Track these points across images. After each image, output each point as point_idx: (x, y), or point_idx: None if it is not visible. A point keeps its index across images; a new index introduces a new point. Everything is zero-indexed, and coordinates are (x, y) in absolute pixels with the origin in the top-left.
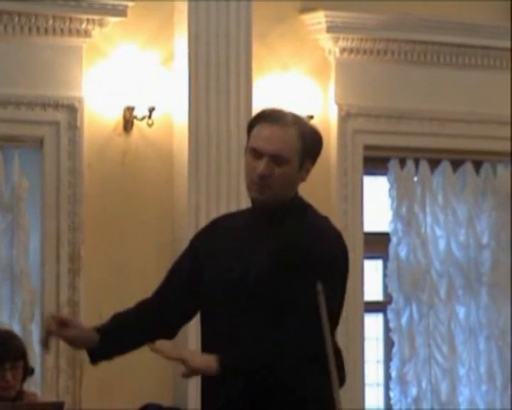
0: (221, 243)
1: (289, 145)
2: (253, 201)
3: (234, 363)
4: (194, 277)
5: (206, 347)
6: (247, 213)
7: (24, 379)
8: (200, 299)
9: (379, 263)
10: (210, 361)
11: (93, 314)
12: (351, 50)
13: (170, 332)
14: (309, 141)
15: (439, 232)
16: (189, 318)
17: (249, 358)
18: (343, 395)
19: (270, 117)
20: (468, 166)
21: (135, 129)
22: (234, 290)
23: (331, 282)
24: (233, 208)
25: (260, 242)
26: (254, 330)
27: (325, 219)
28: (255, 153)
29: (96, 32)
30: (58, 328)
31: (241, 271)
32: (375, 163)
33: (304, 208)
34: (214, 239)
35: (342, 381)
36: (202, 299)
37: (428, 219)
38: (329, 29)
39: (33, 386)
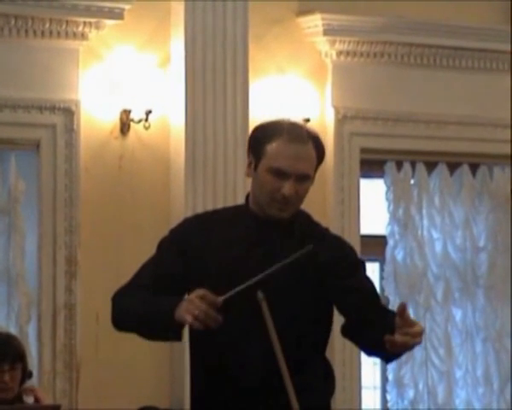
0: (227, 245)
1: (311, 162)
2: (269, 217)
3: None
4: (182, 277)
5: (205, 347)
6: (245, 214)
7: (22, 382)
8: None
9: (376, 266)
10: None
11: (90, 317)
12: (347, 53)
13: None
14: (320, 151)
15: (435, 235)
16: None
17: None
18: (340, 398)
19: (288, 133)
20: (465, 169)
21: (131, 132)
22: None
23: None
24: None
25: (277, 249)
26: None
27: (328, 229)
28: (279, 173)
29: (92, 34)
30: None
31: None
32: (371, 166)
33: (306, 216)
34: (208, 241)
35: (333, 387)
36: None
37: (425, 221)
38: (326, 32)
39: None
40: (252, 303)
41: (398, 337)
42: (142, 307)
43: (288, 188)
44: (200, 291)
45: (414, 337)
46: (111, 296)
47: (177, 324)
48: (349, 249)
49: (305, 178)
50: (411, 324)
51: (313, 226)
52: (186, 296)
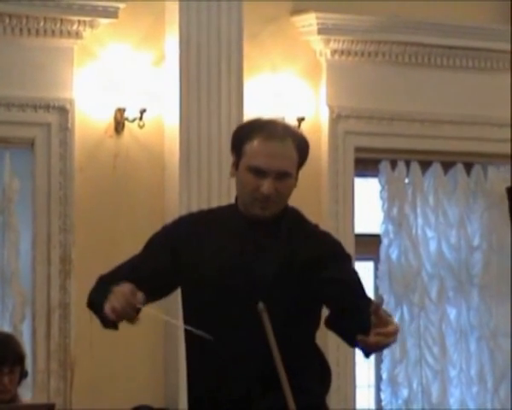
0: (214, 245)
1: (291, 159)
2: (253, 216)
3: None
4: (168, 273)
5: (201, 345)
6: (234, 214)
7: (19, 383)
8: (161, 292)
9: (370, 265)
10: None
11: (84, 316)
12: (342, 52)
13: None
14: (302, 148)
15: (430, 234)
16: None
17: None
18: (334, 397)
19: (265, 131)
20: (459, 168)
21: (126, 131)
22: (242, 294)
23: (351, 263)
24: None
25: (264, 249)
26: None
27: (317, 226)
28: (257, 171)
29: (87, 33)
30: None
31: (249, 278)
32: (366, 165)
33: (296, 214)
34: (201, 239)
35: (329, 384)
36: (189, 298)
37: (419, 220)
38: (320, 31)
39: (24, 388)
40: (244, 314)
41: (370, 338)
42: (96, 295)
43: (266, 186)
44: (125, 286)
45: (387, 337)
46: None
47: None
48: (332, 243)
49: (284, 176)
50: (386, 323)
51: (301, 224)
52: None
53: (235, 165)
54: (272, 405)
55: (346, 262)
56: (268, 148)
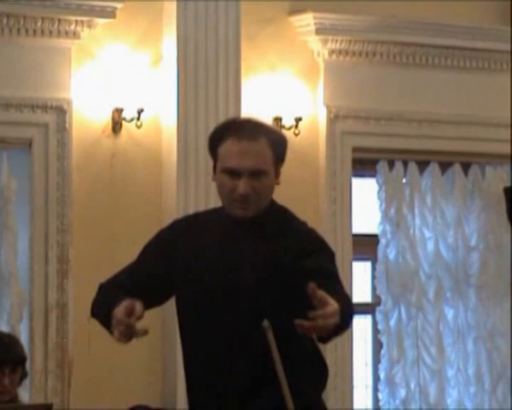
0: (201, 248)
1: (264, 157)
2: (236, 218)
3: (345, 313)
4: (164, 278)
5: (193, 345)
6: (222, 216)
7: (20, 384)
8: (159, 297)
9: (367, 265)
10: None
11: (81, 316)
12: (339, 52)
13: None
14: (278, 145)
15: (427, 234)
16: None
17: (350, 308)
18: (332, 396)
19: (236, 131)
20: (457, 168)
21: (123, 131)
22: (228, 296)
23: (332, 260)
24: None
25: (249, 250)
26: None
27: (306, 223)
28: (232, 172)
29: (84, 33)
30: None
31: (235, 278)
32: (363, 165)
33: (283, 212)
34: (190, 242)
35: (326, 379)
36: (181, 301)
37: (417, 220)
38: (318, 31)
39: (22, 388)
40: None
41: (306, 322)
42: (98, 310)
43: (242, 186)
44: (118, 312)
45: (325, 318)
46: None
47: None
48: (315, 240)
49: (259, 174)
50: (325, 304)
51: (287, 223)
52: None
53: (214, 168)
54: (267, 404)
55: (324, 256)
56: (240, 148)
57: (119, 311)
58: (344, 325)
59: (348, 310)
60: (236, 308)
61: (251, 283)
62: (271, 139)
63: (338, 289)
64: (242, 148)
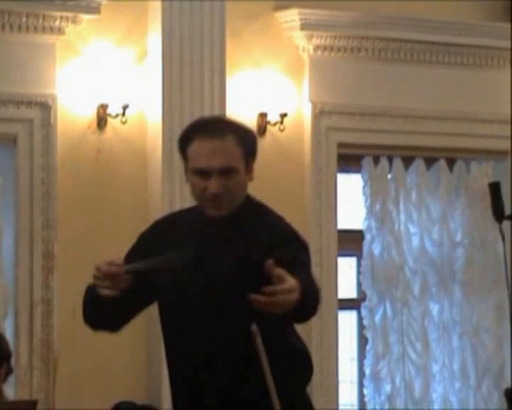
0: (177, 249)
1: (233, 154)
2: (209, 217)
3: (308, 293)
4: (142, 280)
5: (175, 343)
6: (200, 215)
7: (5, 380)
8: (144, 300)
9: (353, 260)
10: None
11: (67, 312)
12: (324, 48)
13: (115, 327)
14: (247, 142)
15: (412, 230)
16: (132, 316)
17: (314, 293)
18: (317, 392)
19: (204, 131)
20: (442, 164)
21: (108, 126)
22: (204, 296)
23: (304, 252)
24: None
25: (224, 249)
26: (231, 326)
27: (283, 219)
28: (201, 173)
29: (69, 29)
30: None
31: (210, 279)
32: (348, 161)
33: (258, 209)
34: (169, 243)
35: (310, 374)
36: (160, 300)
37: (402, 216)
38: (303, 26)
39: (7, 384)
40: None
41: (262, 297)
42: (90, 303)
43: (213, 186)
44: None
45: (282, 294)
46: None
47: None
48: (288, 232)
49: (229, 172)
50: (282, 280)
51: (262, 218)
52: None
53: (186, 170)
54: (248, 398)
55: (295, 247)
56: (207, 147)
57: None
58: (306, 307)
59: (311, 294)
60: (213, 308)
61: (226, 282)
62: (239, 136)
63: (304, 276)
64: (210, 147)
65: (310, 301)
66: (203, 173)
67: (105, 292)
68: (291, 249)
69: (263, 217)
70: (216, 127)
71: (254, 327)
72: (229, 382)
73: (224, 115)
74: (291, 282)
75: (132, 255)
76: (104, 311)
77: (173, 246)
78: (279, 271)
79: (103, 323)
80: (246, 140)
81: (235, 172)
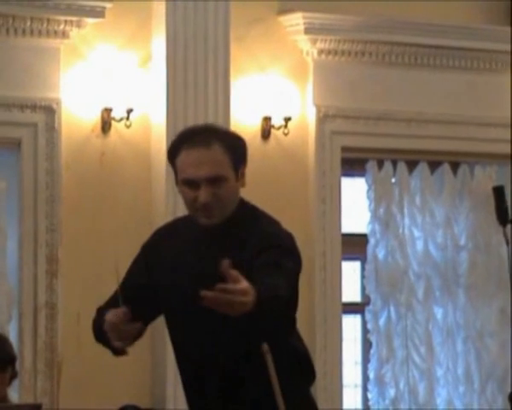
0: (178, 257)
1: (220, 163)
2: (201, 226)
3: (266, 299)
4: (150, 288)
5: (180, 350)
6: (195, 224)
7: (9, 384)
8: (155, 307)
9: (357, 264)
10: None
11: (71, 316)
12: (329, 52)
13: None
14: (235, 149)
15: (416, 234)
16: (143, 332)
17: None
18: (321, 396)
19: (190, 141)
20: (446, 168)
21: (113, 130)
22: (200, 305)
23: (290, 256)
24: None
25: (219, 256)
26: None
27: (276, 223)
28: (190, 183)
29: (73, 33)
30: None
31: (207, 286)
32: (352, 164)
33: (252, 213)
34: (169, 251)
35: (313, 374)
36: (163, 308)
37: (406, 220)
38: (307, 30)
39: (11, 388)
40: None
41: (210, 293)
42: (98, 331)
43: (202, 195)
44: (107, 324)
45: (232, 294)
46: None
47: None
48: (277, 238)
49: (218, 181)
50: (235, 281)
51: (255, 223)
52: None
53: (176, 180)
54: (245, 398)
55: (279, 252)
56: (193, 157)
57: (106, 322)
58: (262, 314)
59: (268, 302)
60: (210, 316)
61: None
62: (226, 144)
63: (274, 280)
64: (197, 157)
65: (267, 307)
66: (192, 183)
67: (117, 344)
68: (275, 254)
69: (256, 222)
70: (202, 137)
71: (265, 346)
72: (230, 384)
73: (213, 123)
74: (244, 284)
75: (135, 266)
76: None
77: (172, 255)
78: (234, 273)
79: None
80: (233, 147)
81: (223, 181)
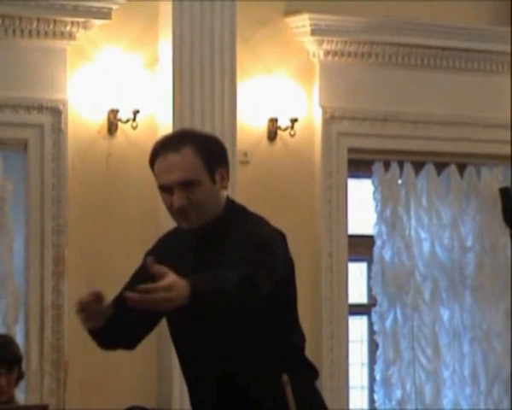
0: (170, 262)
1: (190, 166)
2: (183, 230)
3: (204, 293)
4: None
5: (177, 353)
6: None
7: (16, 385)
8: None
9: (363, 266)
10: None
11: (77, 317)
12: (335, 53)
13: (131, 344)
14: (209, 151)
15: (423, 235)
16: (147, 332)
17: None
18: (327, 397)
19: (162, 147)
20: (453, 169)
21: (119, 131)
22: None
23: (265, 253)
24: None
25: (206, 259)
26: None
27: (265, 223)
28: (165, 189)
29: (80, 34)
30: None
31: None
32: (359, 166)
33: (240, 214)
34: (166, 258)
35: (317, 373)
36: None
37: (413, 221)
38: (314, 32)
39: (18, 388)
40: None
41: (134, 295)
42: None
43: (175, 200)
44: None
45: (157, 291)
46: None
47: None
48: (255, 235)
49: (190, 184)
50: (160, 277)
51: (240, 224)
52: None
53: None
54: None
55: (250, 245)
56: (165, 163)
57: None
58: (200, 302)
59: (212, 292)
60: (201, 322)
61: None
62: (197, 146)
63: (221, 271)
64: (168, 163)
65: (207, 298)
66: (167, 189)
67: (88, 325)
68: (246, 249)
69: (244, 222)
70: (174, 142)
71: (285, 377)
72: (227, 387)
73: (190, 128)
74: (167, 281)
75: (139, 271)
76: (114, 329)
77: (172, 261)
78: (158, 268)
79: (116, 341)
80: (206, 149)
81: (196, 184)
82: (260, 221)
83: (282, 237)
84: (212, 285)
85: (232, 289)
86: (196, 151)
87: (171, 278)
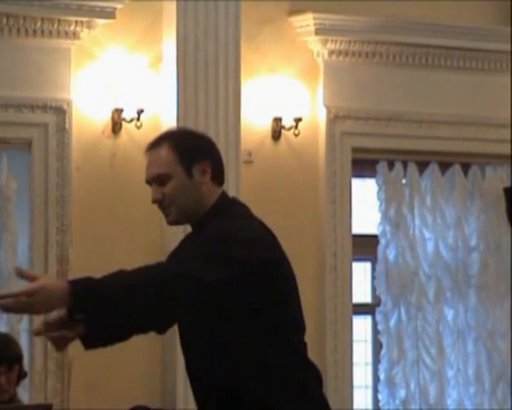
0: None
1: (162, 162)
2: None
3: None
4: None
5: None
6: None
7: (18, 383)
8: None
9: (367, 265)
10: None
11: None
12: (339, 53)
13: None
14: (185, 147)
15: (427, 234)
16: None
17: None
18: (331, 397)
19: (148, 146)
20: (457, 169)
21: (123, 131)
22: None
23: (202, 250)
24: None
25: None
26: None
27: (237, 220)
28: (149, 185)
29: (84, 34)
30: None
31: None
32: (363, 165)
33: (224, 210)
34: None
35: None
36: None
37: (417, 221)
38: (318, 31)
39: (22, 388)
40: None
41: (3, 302)
42: None
43: (152, 195)
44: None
45: (17, 297)
46: None
47: None
48: (208, 234)
49: (163, 179)
50: (31, 280)
51: (214, 222)
52: None
53: None
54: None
55: (198, 247)
56: (147, 160)
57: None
58: (86, 302)
59: (101, 287)
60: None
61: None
62: (172, 141)
63: (143, 270)
64: (148, 159)
65: (95, 298)
66: (149, 185)
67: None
68: (195, 247)
69: (220, 219)
70: (156, 140)
71: None
72: (210, 399)
73: (184, 127)
74: (32, 285)
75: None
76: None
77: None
78: (27, 272)
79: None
80: (180, 144)
81: (169, 178)
82: (234, 221)
83: (259, 239)
84: (106, 284)
85: (139, 284)
86: (171, 147)
87: (39, 282)
